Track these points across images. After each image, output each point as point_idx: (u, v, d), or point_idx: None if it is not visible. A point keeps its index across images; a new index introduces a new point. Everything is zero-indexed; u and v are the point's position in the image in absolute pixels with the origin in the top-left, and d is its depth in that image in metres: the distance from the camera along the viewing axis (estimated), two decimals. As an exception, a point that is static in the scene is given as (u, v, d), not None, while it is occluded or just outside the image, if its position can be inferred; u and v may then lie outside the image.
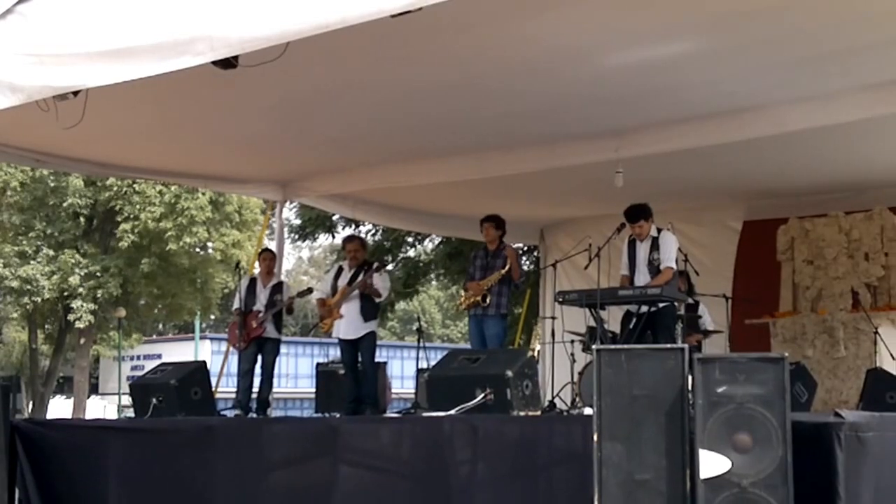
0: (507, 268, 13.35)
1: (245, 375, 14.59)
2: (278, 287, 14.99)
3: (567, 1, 9.02)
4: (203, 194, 33.89)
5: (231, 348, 15.43)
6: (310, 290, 15.70)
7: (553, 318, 14.24)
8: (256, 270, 15.63)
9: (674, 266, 12.45)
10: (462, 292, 14.46)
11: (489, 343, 13.39)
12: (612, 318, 13.26)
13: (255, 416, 14.08)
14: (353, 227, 24.30)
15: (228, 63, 8.59)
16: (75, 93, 9.39)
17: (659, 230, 12.57)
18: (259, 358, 14.73)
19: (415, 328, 16.48)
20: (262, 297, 14.87)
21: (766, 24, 9.42)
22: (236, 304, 15.18)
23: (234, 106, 11.69)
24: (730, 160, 13.71)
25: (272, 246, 17.14)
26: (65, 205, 34.79)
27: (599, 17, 9.39)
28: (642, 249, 12.54)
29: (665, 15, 9.30)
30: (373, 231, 25.47)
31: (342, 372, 14.48)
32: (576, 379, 12.91)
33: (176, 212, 34.16)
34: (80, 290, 35.01)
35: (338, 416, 13.62)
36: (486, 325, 13.52)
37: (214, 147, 13.77)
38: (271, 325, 14.72)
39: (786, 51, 10.07)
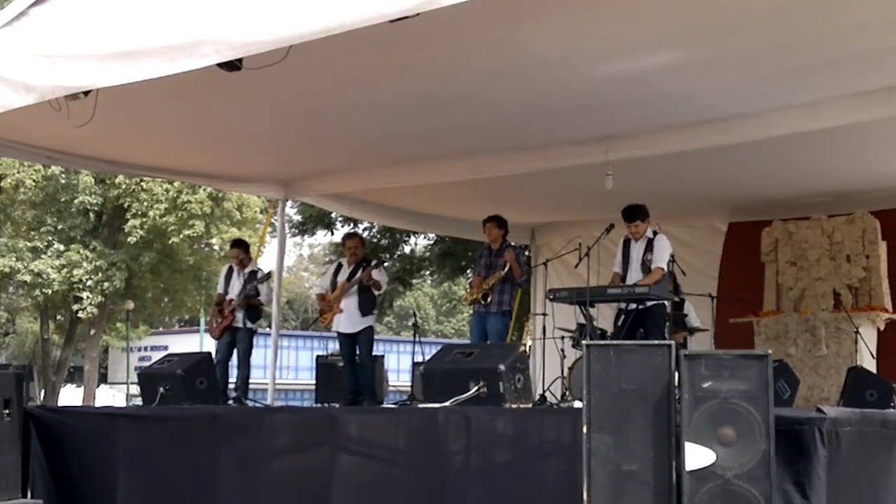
0: (506, 269, 13.37)
1: (219, 365, 14.37)
2: (253, 275, 14.98)
3: (560, 12, 8.99)
4: (203, 190, 33.90)
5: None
6: (268, 276, 15.62)
7: (544, 314, 14.22)
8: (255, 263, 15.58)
9: (665, 268, 12.47)
10: (469, 287, 14.59)
11: (490, 339, 13.44)
12: (602, 315, 13.26)
13: (233, 403, 14.00)
14: (352, 224, 24.33)
15: (233, 65, 8.58)
16: (86, 92, 9.40)
17: (655, 233, 12.62)
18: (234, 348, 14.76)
19: (410, 323, 16.46)
20: (237, 286, 14.86)
21: (751, 36, 9.43)
22: (218, 290, 15.32)
23: (239, 108, 11.67)
24: (716, 164, 13.70)
25: (274, 243, 17.15)
26: (76, 202, 34.76)
27: (589, 28, 9.38)
28: (636, 249, 12.60)
29: (653, 27, 9.30)
30: (370, 228, 25.50)
31: (341, 364, 14.49)
32: (566, 373, 12.92)
33: (177, 206, 34.17)
34: (89, 282, 35.01)
35: (337, 406, 13.62)
36: (489, 321, 13.57)
37: (219, 147, 13.74)
38: (241, 315, 14.68)
39: (770, 62, 10.08)
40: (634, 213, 12.60)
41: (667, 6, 8.89)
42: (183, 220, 34.42)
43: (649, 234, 12.64)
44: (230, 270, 15.21)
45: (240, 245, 15.61)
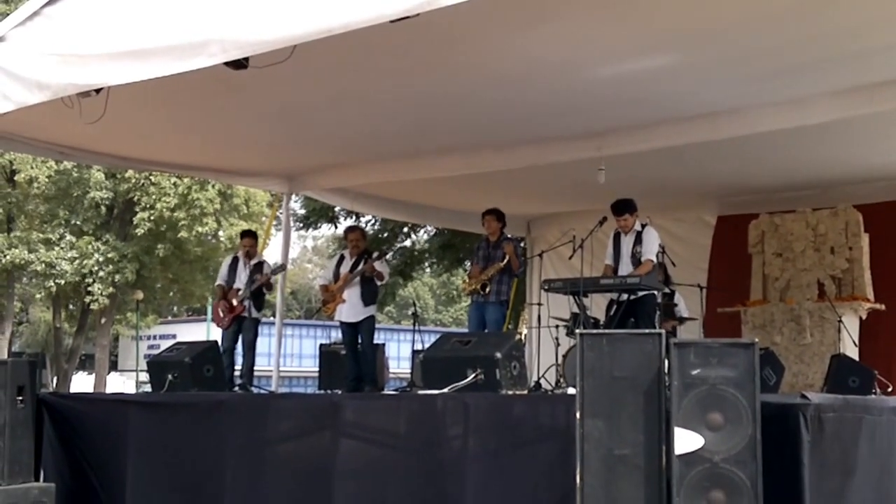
0: (505, 261, 13.40)
1: (226, 353, 14.26)
2: (259, 267, 14.92)
3: (556, 17, 9.01)
4: (213, 186, 33.93)
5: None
6: (283, 267, 15.60)
7: (539, 304, 14.24)
8: (264, 252, 15.52)
9: (654, 259, 12.53)
10: (466, 278, 14.61)
11: (489, 328, 13.46)
12: (595, 305, 13.28)
13: (238, 390, 13.96)
14: (354, 217, 24.33)
15: (239, 64, 8.61)
16: (97, 90, 9.40)
17: (643, 225, 12.67)
18: (240, 336, 14.72)
19: (410, 313, 16.43)
20: (243, 276, 14.81)
21: (738, 39, 9.47)
22: (218, 281, 15.18)
23: (245, 105, 11.66)
24: (705, 159, 13.74)
25: (279, 236, 17.12)
26: (87, 196, 34.77)
27: (585, 32, 9.40)
28: (626, 242, 12.66)
29: (646, 32, 9.36)
30: (372, 221, 25.50)
31: (343, 352, 14.49)
32: (560, 361, 12.91)
33: (188, 202, 34.16)
34: (101, 273, 35.02)
35: (339, 393, 13.62)
36: (487, 311, 13.61)
37: (226, 143, 13.75)
38: (248, 304, 14.64)
39: (757, 63, 10.13)
40: (622, 208, 12.65)
41: (660, 13, 8.92)
42: (195, 217, 34.43)
43: (638, 227, 12.69)
44: (235, 261, 15.11)
45: (252, 235, 15.54)
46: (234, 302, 14.64)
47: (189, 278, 38.54)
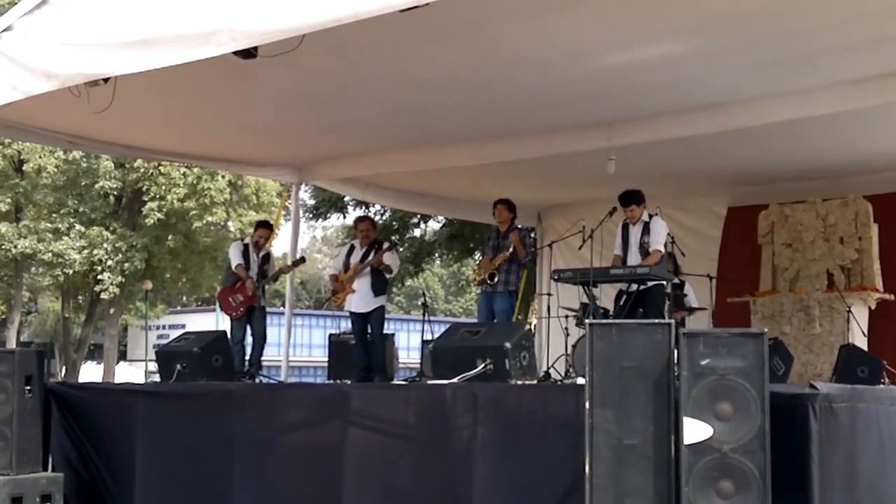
0: (510, 250, 13.40)
1: (238, 343, 14.42)
2: (267, 258, 15.04)
3: (564, 5, 9.01)
4: (223, 177, 33.93)
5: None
6: (303, 260, 15.59)
7: (549, 294, 14.26)
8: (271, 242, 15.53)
9: (662, 249, 12.53)
10: (476, 268, 14.65)
11: (497, 318, 13.49)
12: (605, 295, 13.28)
13: (247, 379, 13.93)
14: (364, 208, 24.34)
15: (249, 53, 8.60)
16: (105, 79, 9.39)
17: (651, 216, 12.67)
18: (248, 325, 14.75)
19: (420, 303, 16.39)
20: (254, 266, 14.81)
21: (749, 27, 9.45)
22: (238, 261, 14.95)
23: (254, 95, 11.67)
24: (715, 150, 13.73)
25: (288, 226, 17.11)
26: (96, 185, 34.79)
27: (597, 20, 9.39)
28: (634, 233, 12.67)
29: (657, 19, 9.34)
30: (381, 212, 25.52)
31: (353, 342, 14.50)
32: (569, 351, 12.91)
33: (198, 192, 34.16)
34: (110, 263, 35.06)
35: (348, 382, 13.64)
36: (496, 300, 13.63)
37: (236, 133, 13.75)
38: (261, 294, 14.67)
39: (767, 51, 10.11)
40: (629, 199, 12.68)
41: (671, 1, 8.91)
42: (205, 207, 34.46)
43: (646, 217, 12.70)
44: (246, 248, 15.07)
45: (267, 226, 15.50)
46: (250, 292, 14.59)
47: (198, 268, 38.57)
